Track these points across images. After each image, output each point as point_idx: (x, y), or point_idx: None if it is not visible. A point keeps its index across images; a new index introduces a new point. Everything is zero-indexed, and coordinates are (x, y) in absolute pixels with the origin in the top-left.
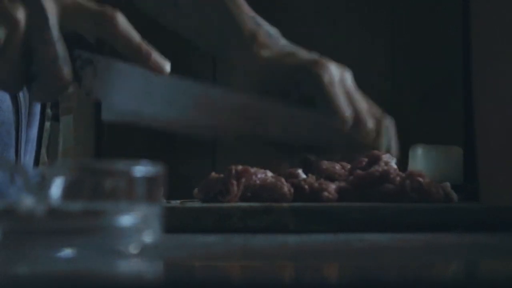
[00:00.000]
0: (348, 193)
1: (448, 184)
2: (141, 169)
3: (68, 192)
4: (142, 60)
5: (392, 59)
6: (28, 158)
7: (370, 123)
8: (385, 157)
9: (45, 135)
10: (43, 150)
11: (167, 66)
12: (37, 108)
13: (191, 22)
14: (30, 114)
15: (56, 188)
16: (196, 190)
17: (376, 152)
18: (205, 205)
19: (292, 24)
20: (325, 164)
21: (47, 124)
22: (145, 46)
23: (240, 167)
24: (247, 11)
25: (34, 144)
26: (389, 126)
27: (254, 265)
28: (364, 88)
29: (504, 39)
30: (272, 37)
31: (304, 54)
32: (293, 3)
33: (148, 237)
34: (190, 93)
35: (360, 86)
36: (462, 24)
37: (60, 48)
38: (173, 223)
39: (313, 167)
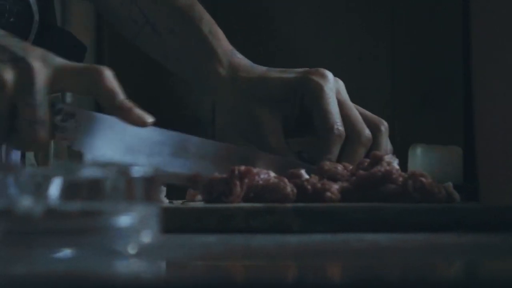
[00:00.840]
0: (351, 193)
1: (450, 184)
2: (139, 169)
3: (67, 193)
4: (123, 115)
5: (392, 59)
6: (14, 155)
7: (367, 132)
8: (388, 157)
9: None
10: (31, 155)
11: (149, 120)
12: None
13: (168, 49)
14: None
15: (55, 189)
16: (190, 191)
17: (378, 152)
18: (208, 205)
19: (291, 24)
20: (327, 165)
21: None
22: (127, 102)
23: (243, 168)
24: (227, 44)
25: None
26: (385, 132)
27: (255, 265)
28: (364, 88)
29: (504, 39)
30: (253, 66)
31: (297, 69)
32: (292, 3)
33: (146, 237)
34: (170, 143)
35: (360, 86)
36: (462, 24)
37: (41, 112)
38: (176, 223)
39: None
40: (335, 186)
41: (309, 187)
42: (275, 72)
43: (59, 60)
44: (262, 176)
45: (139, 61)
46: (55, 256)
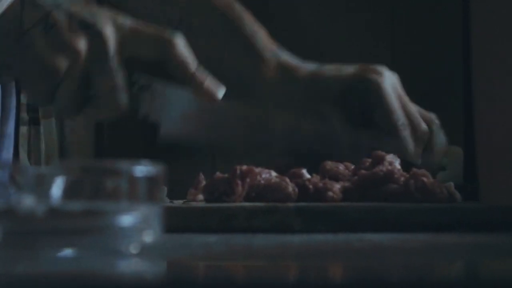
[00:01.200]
0: (353, 193)
1: (452, 184)
2: (141, 169)
3: (69, 192)
4: (195, 87)
5: (392, 59)
6: (5, 154)
7: (423, 125)
8: (389, 157)
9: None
10: (24, 155)
11: (220, 93)
12: (12, 103)
13: (207, 51)
14: (4, 109)
15: (57, 188)
16: (191, 191)
17: (379, 152)
18: (209, 205)
19: (291, 24)
20: (329, 164)
21: (24, 128)
22: (200, 73)
23: (244, 167)
24: (271, 44)
25: (12, 140)
26: (439, 128)
27: (257, 265)
28: None
29: (504, 39)
30: (303, 64)
31: (349, 67)
32: (292, 3)
33: (148, 237)
34: (239, 115)
35: None
36: (462, 24)
37: (119, 78)
38: (177, 223)
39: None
40: (337, 186)
41: (310, 186)
42: (330, 71)
43: (130, 23)
44: (263, 175)
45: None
46: (57, 256)
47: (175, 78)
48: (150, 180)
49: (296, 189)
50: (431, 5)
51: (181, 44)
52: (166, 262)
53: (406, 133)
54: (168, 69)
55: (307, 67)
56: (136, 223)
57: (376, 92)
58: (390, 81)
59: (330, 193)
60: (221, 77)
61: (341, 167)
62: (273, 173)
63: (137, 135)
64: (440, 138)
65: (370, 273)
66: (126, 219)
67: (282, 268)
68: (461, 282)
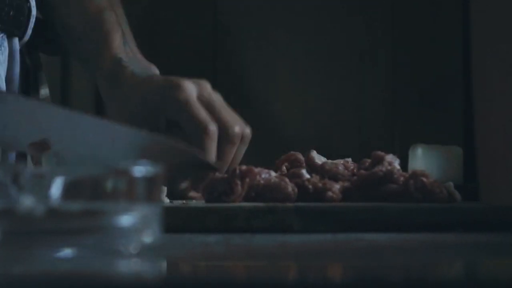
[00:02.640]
0: (352, 193)
1: (451, 184)
2: (141, 169)
3: (68, 192)
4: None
5: (392, 59)
6: (10, 155)
7: (237, 128)
8: (389, 157)
9: None
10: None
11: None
12: None
13: (76, 53)
14: None
15: (56, 188)
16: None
17: (379, 152)
18: (209, 205)
19: (291, 24)
20: (328, 164)
21: None
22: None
23: (244, 167)
24: (116, 52)
25: None
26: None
27: (256, 265)
28: (364, 88)
29: (504, 39)
30: (134, 76)
31: (158, 78)
32: (292, 3)
33: (147, 237)
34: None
35: (360, 86)
36: (462, 24)
37: None
38: (177, 223)
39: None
40: (336, 186)
41: (310, 186)
42: (142, 84)
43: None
44: (263, 175)
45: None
46: (57, 256)
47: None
48: (149, 180)
49: (296, 189)
50: (431, 5)
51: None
52: (166, 262)
53: (206, 138)
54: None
55: (136, 78)
56: (135, 223)
57: (175, 107)
58: (193, 90)
59: (330, 193)
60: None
61: (340, 167)
62: (273, 173)
63: None
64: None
65: (369, 273)
66: (126, 219)
67: (282, 268)
68: (461, 282)
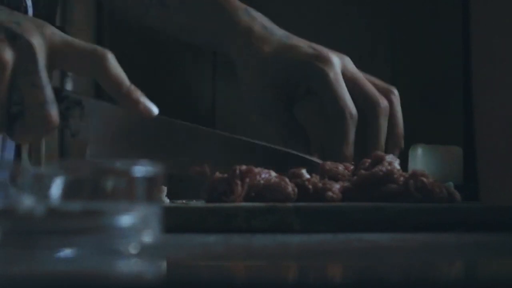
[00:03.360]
0: (352, 193)
1: (451, 184)
2: (141, 169)
3: (68, 192)
4: (129, 103)
5: (391, 59)
6: (7, 154)
7: (383, 102)
8: (389, 157)
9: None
10: (25, 155)
11: (155, 110)
12: None
13: (180, 21)
14: None
15: (56, 188)
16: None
17: (379, 153)
18: (209, 205)
19: (291, 24)
20: (328, 165)
21: None
22: (134, 89)
23: (244, 167)
24: (239, 4)
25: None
26: (398, 99)
27: (257, 265)
28: None
29: (504, 39)
30: (267, 30)
31: (304, 46)
32: (291, 3)
33: (147, 237)
34: (175, 134)
35: None
36: (462, 24)
37: (49, 92)
38: (177, 223)
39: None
40: (336, 186)
41: (310, 186)
42: (284, 49)
43: (61, 35)
44: (263, 175)
45: (139, 61)
46: (57, 256)
47: (109, 93)
48: (149, 180)
49: (296, 189)
50: (431, 5)
51: (113, 60)
52: (166, 262)
53: (349, 122)
54: (102, 85)
55: (271, 37)
56: (135, 223)
57: (321, 80)
58: (338, 66)
59: (330, 193)
60: (195, 47)
61: (340, 167)
62: (273, 173)
63: None
64: (400, 111)
65: (369, 273)
66: (125, 219)
67: (282, 268)
68: (461, 282)
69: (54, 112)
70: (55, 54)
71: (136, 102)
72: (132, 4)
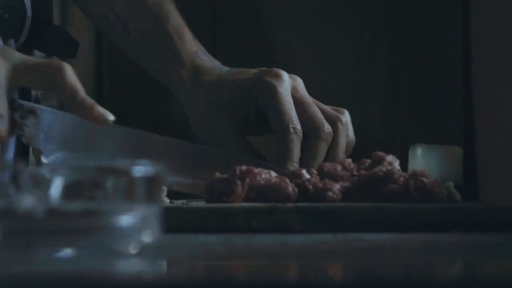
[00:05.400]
0: (352, 193)
1: (451, 184)
2: (140, 169)
3: (68, 192)
4: (85, 112)
5: (392, 59)
6: (9, 153)
7: (327, 127)
8: (389, 158)
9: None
10: (30, 149)
11: (110, 118)
12: None
13: (139, 49)
14: None
15: (56, 188)
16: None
17: (379, 153)
18: (209, 205)
19: (290, 24)
20: (327, 166)
21: None
22: (89, 99)
23: (244, 167)
24: (192, 45)
25: (14, 139)
26: (348, 122)
27: (257, 265)
28: (364, 89)
29: (504, 39)
30: (215, 67)
31: (255, 70)
32: (291, 4)
33: (147, 237)
34: (133, 142)
35: (360, 87)
36: (462, 24)
37: (1, 106)
38: (177, 223)
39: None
40: (337, 186)
41: (310, 187)
42: (233, 74)
43: (18, 55)
44: (263, 176)
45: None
46: (56, 256)
47: (65, 104)
48: (149, 180)
49: (296, 190)
50: (431, 5)
51: (69, 71)
52: (166, 262)
53: (293, 137)
54: (58, 96)
55: (219, 70)
56: (135, 223)
57: (269, 93)
58: (287, 83)
59: (330, 193)
60: (148, 73)
61: (339, 168)
62: (273, 173)
63: None
64: (345, 137)
65: (370, 273)
66: (125, 219)
67: (282, 268)
68: (461, 282)
69: (2, 126)
70: (14, 72)
71: (90, 110)
72: (98, 20)
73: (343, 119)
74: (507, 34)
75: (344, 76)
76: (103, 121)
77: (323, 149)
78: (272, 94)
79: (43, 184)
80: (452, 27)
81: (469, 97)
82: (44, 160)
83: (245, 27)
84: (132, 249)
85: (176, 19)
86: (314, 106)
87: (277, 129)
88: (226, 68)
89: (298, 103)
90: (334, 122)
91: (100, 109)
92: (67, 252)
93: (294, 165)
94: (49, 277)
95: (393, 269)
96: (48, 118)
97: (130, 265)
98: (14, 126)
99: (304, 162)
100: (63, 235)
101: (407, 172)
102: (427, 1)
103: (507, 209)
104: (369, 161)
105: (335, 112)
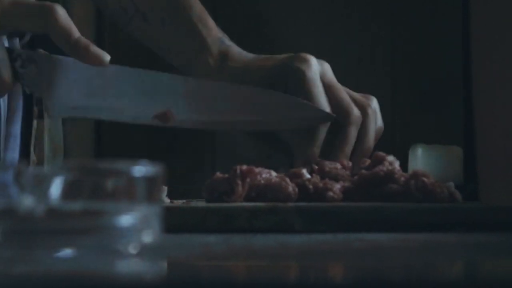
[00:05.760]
0: (353, 193)
1: (452, 184)
2: (141, 169)
3: (68, 192)
4: (80, 53)
5: (391, 59)
6: (10, 154)
7: (356, 111)
8: (390, 158)
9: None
10: (31, 148)
11: (107, 58)
12: (19, 104)
13: (159, 38)
14: (10, 109)
15: (56, 188)
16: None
17: (380, 153)
18: (210, 205)
19: (290, 24)
20: (327, 166)
21: (35, 122)
22: (83, 39)
23: (245, 167)
24: (216, 32)
25: (18, 140)
26: (376, 109)
27: (257, 265)
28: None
29: (504, 39)
30: (242, 53)
31: (281, 56)
32: (291, 4)
33: (148, 237)
34: (138, 81)
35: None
36: (462, 24)
37: (0, 53)
38: (178, 223)
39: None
40: (337, 186)
41: (311, 186)
42: (260, 60)
43: None
44: (264, 175)
45: (139, 60)
46: (56, 256)
47: (59, 46)
48: (150, 180)
49: (296, 189)
50: (431, 5)
51: (61, 12)
52: (166, 262)
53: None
54: (52, 38)
55: (245, 57)
56: (135, 223)
57: (298, 78)
58: (316, 68)
59: (330, 193)
60: (170, 64)
61: (339, 167)
62: (273, 173)
63: (137, 134)
64: (375, 123)
65: (370, 273)
66: (126, 219)
67: (283, 268)
68: (461, 282)
69: (5, 71)
70: (6, 15)
71: (86, 51)
72: (115, 13)
73: (373, 105)
74: (507, 34)
75: (344, 76)
76: (99, 61)
77: (353, 133)
78: (302, 79)
79: (43, 184)
80: (452, 27)
81: (469, 97)
82: (49, 108)
83: (245, 27)
84: (132, 249)
85: (198, 7)
86: (343, 91)
87: None
88: (251, 55)
89: (327, 87)
90: (364, 108)
91: (96, 49)
92: (67, 252)
93: (317, 150)
94: (49, 277)
95: (394, 269)
96: (48, 65)
97: (130, 265)
98: (15, 76)
99: (336, 148)
100: (63, 235)
101: (407, 172)
102: (427, 1)
103: (507, 209)
104: (368, 161)
105: (364, 99)
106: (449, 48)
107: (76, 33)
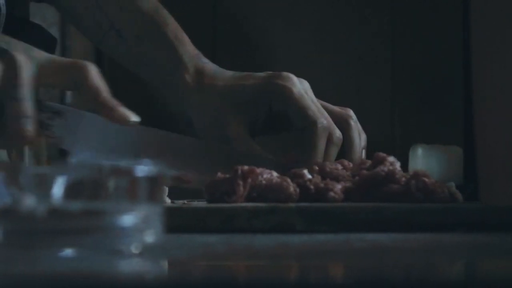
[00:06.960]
0: (354, 193)
1: (453, 184)
2: (142, 169)
3: (69, 192)
4: (106, 112)
5: (392, 59)
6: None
7: (336, 132)
8: (390, 158)
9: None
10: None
11: (133, 119)
12: None
13: (134, 54)
14: None
15: (57, 188)
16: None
17: (381, 153)
18: (211, 205)
19: (290, 24)
20: (328, 166)
21: None
22: (111, 99)
23: (246, 168)
24: (192, 49)
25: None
26: (355, 125)
27: (258, 265)
28: (364, 88)
29: (504, 40)
30: (218, 71)
31: (260, 73)
32: (291, 3)
33: (149, 237)
34: (158, 142)
35: (360, 87)
36: (462, 24)
37: (27, 106)
38: (179, 223)
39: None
40: (338, 186)
41: (312, 187)
42: (239, 79)
43: (44, 55)
44: (265, 176)
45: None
46: (58, 255)
47: (88, 104)
48: (151, 180)
49: (298, 190)
50: (431, 5)
51: (93, 71)
52: (167, 262)
53: (323, 131)
54: (82, 95)
55: (223, 74)
56: (137, 223)
57: (285, 96)
58: (299, 85)
59: (331, 194)
60: (147, 81)
61: (339, 167)
62: (275, 174)
63: None
64: (357, 138)
65: (371, 273)
66: (127, 219)
67: (283, 268)
68: (461, 282)
69: (29, 126)
70: (40, 71)
71: (113, 110)
72: (89, 28)
73: (353, 117)
74: (507, 34)
75: (344, 76)
76: (125, 121)
77: (334, 153)
78: (289, 96)
79: (45, 184)
80: (452, 27)
81: (469, 97)
82: (72, 161)
83: (245, 28)
84: (134, 249)
85: (173, 24)
86: (324, 110)
87: (303, 125)
88: (229, 72)
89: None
90: (345, 120)
91: (123, 110)
92: (69, 252)
93: (319, 159)
94: (51, 277)
95: (395, 269)
96: (75, 119)
97: (132, 265)
98: (41, 127)
99: (308, 155)
100: (65, 235)
101: (407, 172)
102: (427, 1)
103: (507, 209)
104: (369, 161)
105: (343, 112)
106: (450, 48)
107: (105, 92)
